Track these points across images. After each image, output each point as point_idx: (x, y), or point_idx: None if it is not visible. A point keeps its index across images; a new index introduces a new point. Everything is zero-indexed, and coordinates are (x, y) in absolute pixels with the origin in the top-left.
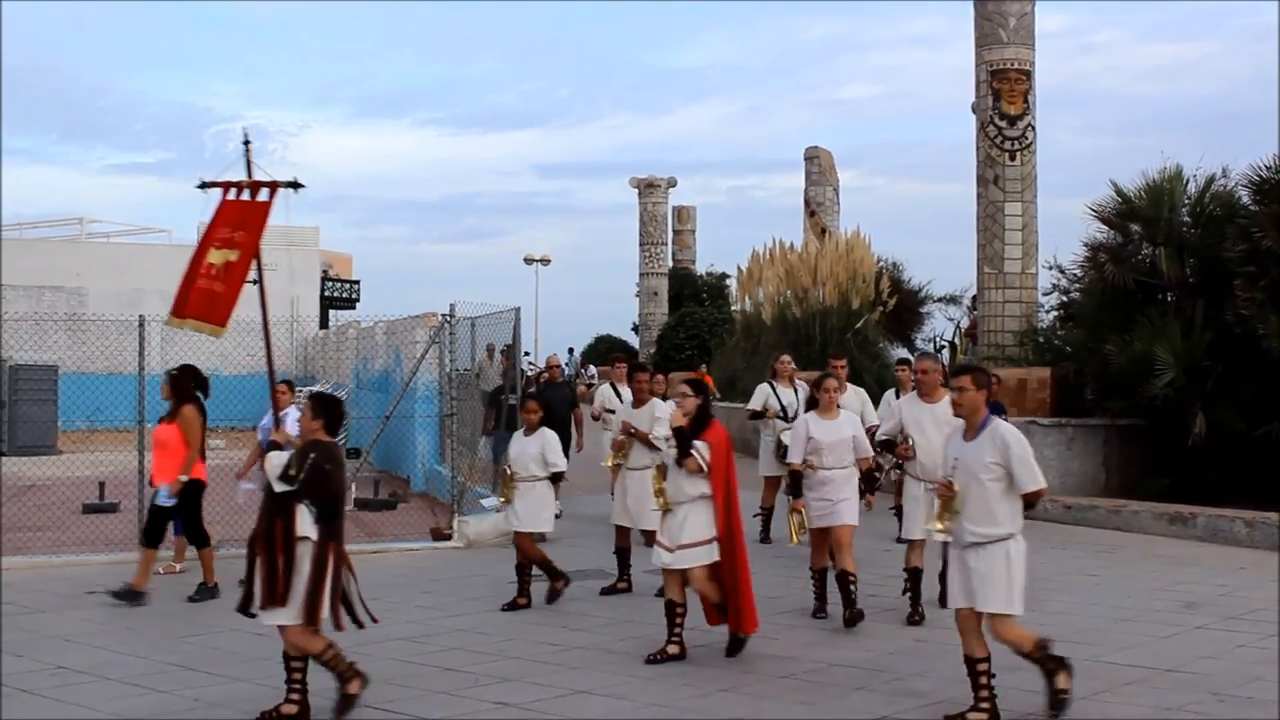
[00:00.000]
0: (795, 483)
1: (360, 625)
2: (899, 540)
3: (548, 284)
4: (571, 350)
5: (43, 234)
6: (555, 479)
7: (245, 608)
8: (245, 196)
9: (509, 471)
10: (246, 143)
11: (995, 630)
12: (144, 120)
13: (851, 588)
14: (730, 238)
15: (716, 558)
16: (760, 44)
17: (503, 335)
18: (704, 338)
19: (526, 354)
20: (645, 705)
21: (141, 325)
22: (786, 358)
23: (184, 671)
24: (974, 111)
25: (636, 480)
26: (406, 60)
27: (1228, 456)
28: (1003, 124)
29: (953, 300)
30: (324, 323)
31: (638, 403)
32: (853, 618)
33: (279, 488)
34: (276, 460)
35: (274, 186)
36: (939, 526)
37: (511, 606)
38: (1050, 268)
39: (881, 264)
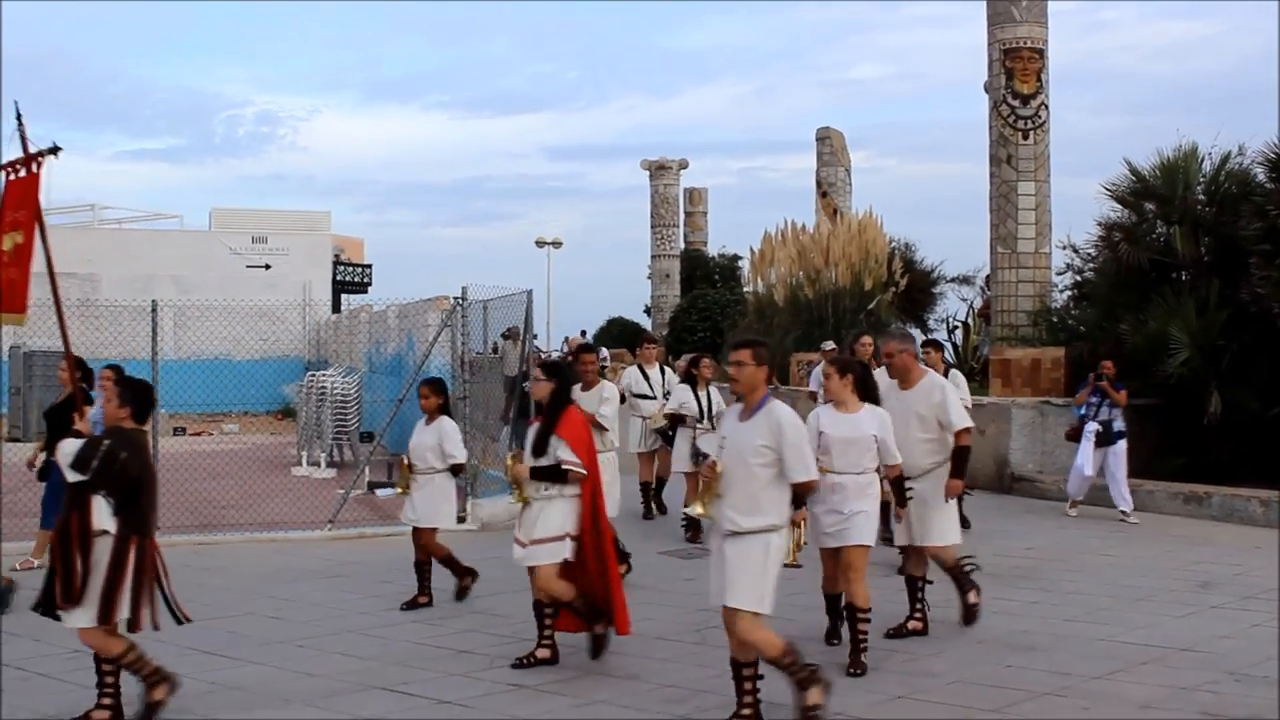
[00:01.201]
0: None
1: (179, 621)
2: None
3: (559, 267)
4: (584, 333)
5: (55, 220)
6: (455, 471)
7: (45, 608)
8: (23, 173)
9: (405, 462)
10: (19, 116)
11: (739, 628)
12: (153, 106)
13: (861, 629)
14: (741, 219)
15: (567, 555)
16: (769, 25)
17: (515, 318)
18: (716, 319)
19: (535, 337)
20: (659, 686)
21: (154, 310)
22: (707, 360)
23: (202, 655)
24: (986, 91)
25: None
26: (415, 44)
27: (1243, 435)
28: (1015, 103)
29: (966, 281)
30: (336, 307)
31: (585, 385)
32: (856, 664)
33: (71, 477)
34: (68, 448)
35: (38, 158)
36: (699, 510)
37: (411, 605)
38: (1064, 247)
39: (894, 245)
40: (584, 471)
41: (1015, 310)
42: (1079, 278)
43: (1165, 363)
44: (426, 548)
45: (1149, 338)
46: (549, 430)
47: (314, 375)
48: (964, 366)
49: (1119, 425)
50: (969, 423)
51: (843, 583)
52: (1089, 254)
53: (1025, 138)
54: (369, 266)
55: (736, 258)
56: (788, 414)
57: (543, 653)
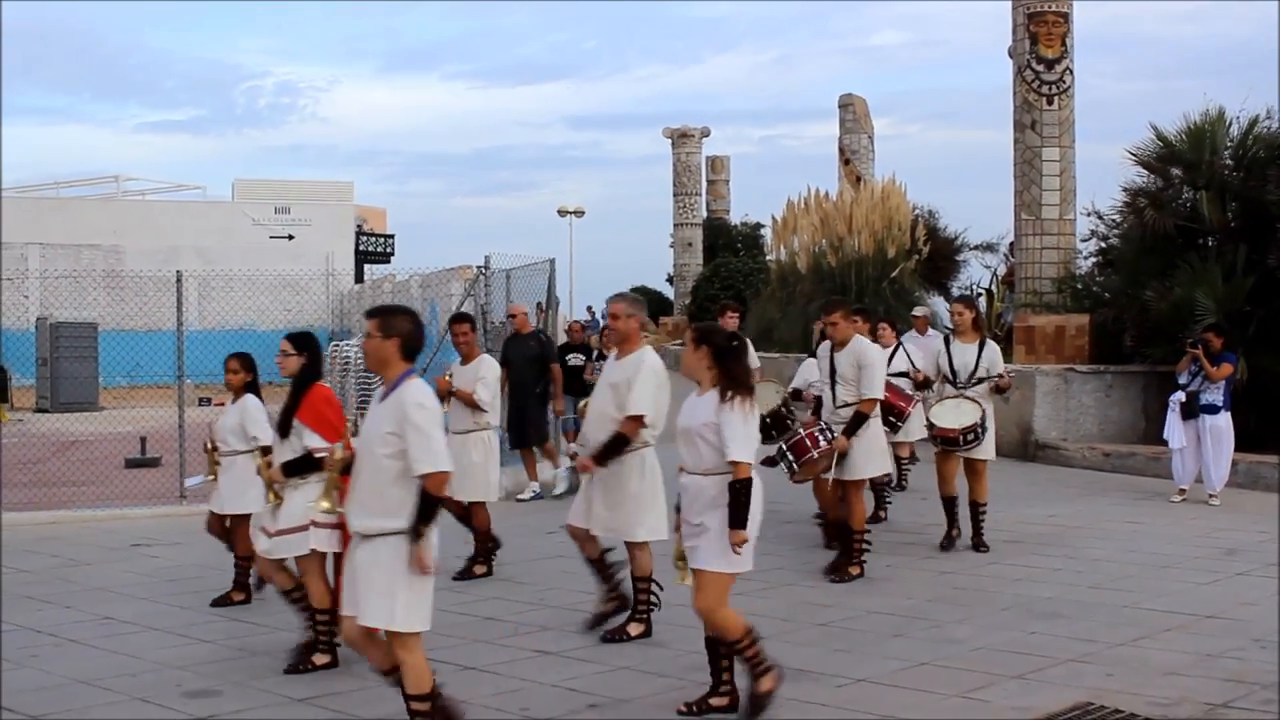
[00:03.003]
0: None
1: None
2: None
3: (581, 236)
4: (592, 309)
5: (79, 192)
6: (264, 452)
7: None
8: None
9: (208, 445)
10: None
11: (394, 648)
12: (175, 78)
13: (726, 666)
14: (762, 187)
15: (317, 545)
16: None
17: (538, 287)
18: (739, 288)
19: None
20: (683, 653)
21: (179, 281)
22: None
23: (228, 621)
24: (1010, 56)
25: (457, 446)
26: (434, 12)
27: (1270, 402)
28: (1040, 68)
29: (989, 248)
30: (359, 277)
31: (464, 359)
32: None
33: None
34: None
35: None
36: (323, 506)
37: (223, 601)
38: (1088, 214)
39: (917, 212)
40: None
41: (1039, 277)
42: (1104, 244)
43: (1191, 329)
44: (215, 533)
45: (1175, 304)
46: (290, 412)
47: (337, 345)
48: (988, 333)
49: (1209, 398)
50: (878, 395)
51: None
52: (1114, 220)
53: (1050, 103)
54: (391, 236)
55: (759, 226)
56: (417, 394)
57: (320, 659)
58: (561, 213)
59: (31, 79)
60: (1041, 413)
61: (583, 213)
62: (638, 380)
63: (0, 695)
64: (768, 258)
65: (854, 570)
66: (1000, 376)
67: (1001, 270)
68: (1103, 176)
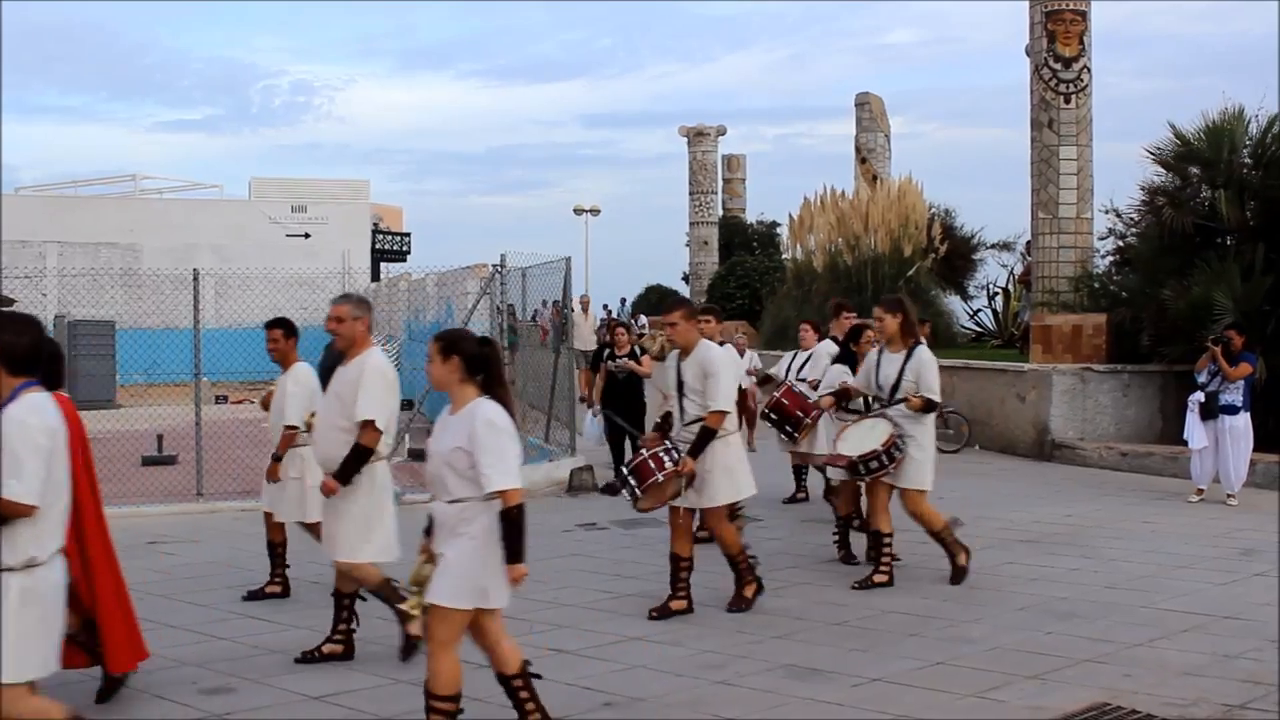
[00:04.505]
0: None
1: None
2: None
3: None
4: (624, 300)
5: (97, 191)
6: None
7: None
8: None
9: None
10: None
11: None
12: (190, 77)
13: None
14: (779, 185)
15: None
16: None
17: (553, 286)
18: (755, 286)
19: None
20: (698, 652)
21: (196, 280)
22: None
23: (244, 619)
24: (1028, 54)
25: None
26: (448, 11)
27: None
28: (1057, 66)
29: (1006, 247)
30: (375, 275)
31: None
32: None
33: None
34: None
35: None
36: (414, 605)
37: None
38: (1106, 212)
39: (933, 210)
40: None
41: (1056, 276)
42: (1121, 243)
43: (1209, 329)
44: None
45: (1192, 303)
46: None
47: None
48: (1004, 333)
49: (1228, 398)
50: (724, 407)
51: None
52: (1131, 219)
53: (1067, 101)
54: (408, 235)
55: (775, 224)
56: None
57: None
58: (577, 211)
59: (48, 78)
60: (1058, 412)
61: (598, 211)
62: (362, 384)
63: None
64: (784, 256)
65: (748, 593)
66: (919, 396)
67: (1018, 269)
68: (1120, 175)
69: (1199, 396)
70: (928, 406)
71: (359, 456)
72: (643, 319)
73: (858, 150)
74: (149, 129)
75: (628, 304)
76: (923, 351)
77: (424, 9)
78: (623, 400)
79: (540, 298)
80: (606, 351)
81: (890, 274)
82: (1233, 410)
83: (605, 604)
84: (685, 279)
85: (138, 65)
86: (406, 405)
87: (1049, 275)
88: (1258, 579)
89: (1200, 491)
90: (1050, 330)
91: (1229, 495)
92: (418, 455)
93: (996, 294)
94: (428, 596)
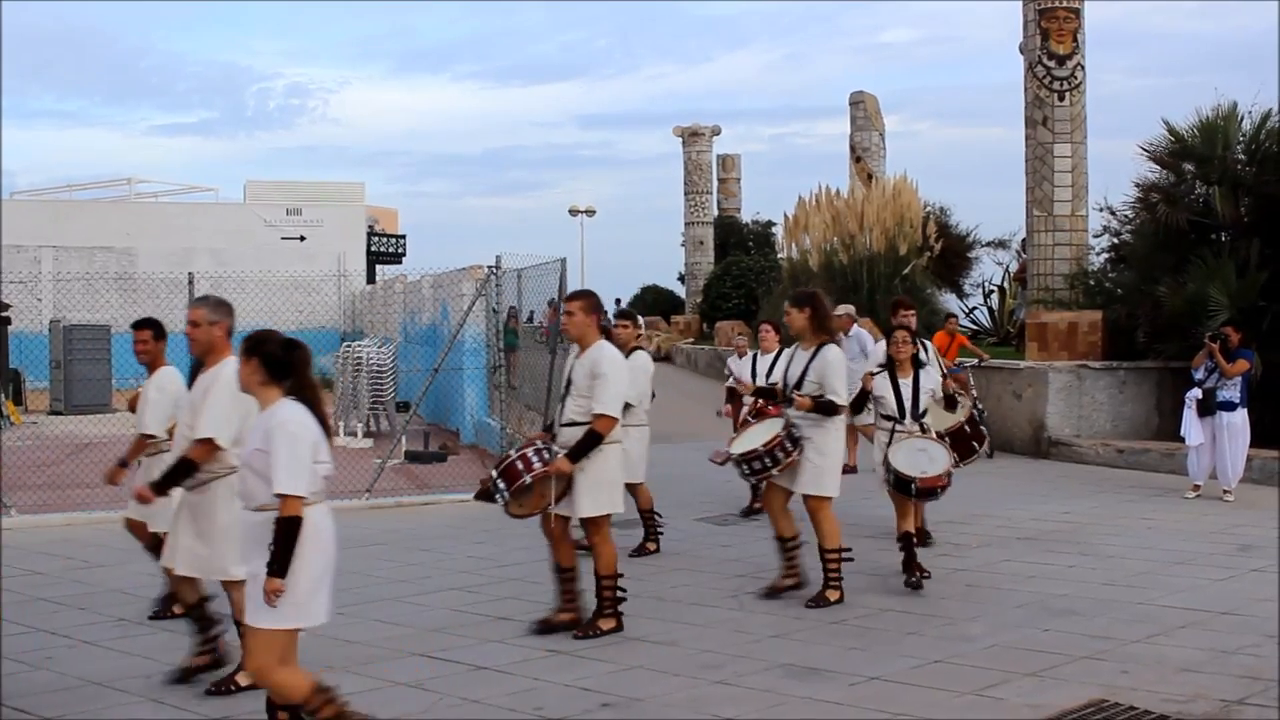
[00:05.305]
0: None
1: None
2: None
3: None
4: (619, 301)
5: (92, 195)
6: None
7: None
8: None
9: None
10: None
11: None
12: (186, 80)
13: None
14: (775, 185)
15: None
16: None
17: (549, 287)
18: (751, 286)
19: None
20: (696, 652)
21: (191, 283)
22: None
23: None
24: (1021, 52)
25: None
26: (444, 13)
27: None
28: (1051, 64)
29: (1001, 244)
30: (371, 277)
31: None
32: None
33: None
34: None
35: None
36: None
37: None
38: (1101, 209)
39: (929, 209)
40: None
41: (1051, 274)
42: (1116, 240)
43: (1204, 325)
44: None
45: (1188, 300)
46: None
47: (350, 346)
48: (1000, 330)
49: (1225, 395)
50: (611, 412)
51: None
52: (1126, 216)
53: (1061, 99)
54: (403, 237)
55: (770, 224)
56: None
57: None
58: (573, 212)
59: (44, 82)
60: (1054, 409)
61: (594, 212)
62: (210, 397)
63: (0, 696)
64: (779, 256)
65: (604, 625)
66: (817, 396)
67: (1014, 267)
68: (1115, 172)
69: (1196, 393)
70: (826, 409)
71: (184, 469)
72: (639, 319)
73: (852, 149)
74: (144, 133)
75: (623, 305)
76: (830, 351)
77: (421, 11)
78: None
79: (537, 299)
80: None
81: (886, 272)
82: (1231, 406)
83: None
84: (681, 279)
85: (134, 69)
86: (403, 407)
87: (1044, 273)
88: (1255, 574)
89: (1196, 487)
90: (1046, 327)
91: (1225, 491)
92: (414, 458)
93: (992, 292)
94: (247, 618)
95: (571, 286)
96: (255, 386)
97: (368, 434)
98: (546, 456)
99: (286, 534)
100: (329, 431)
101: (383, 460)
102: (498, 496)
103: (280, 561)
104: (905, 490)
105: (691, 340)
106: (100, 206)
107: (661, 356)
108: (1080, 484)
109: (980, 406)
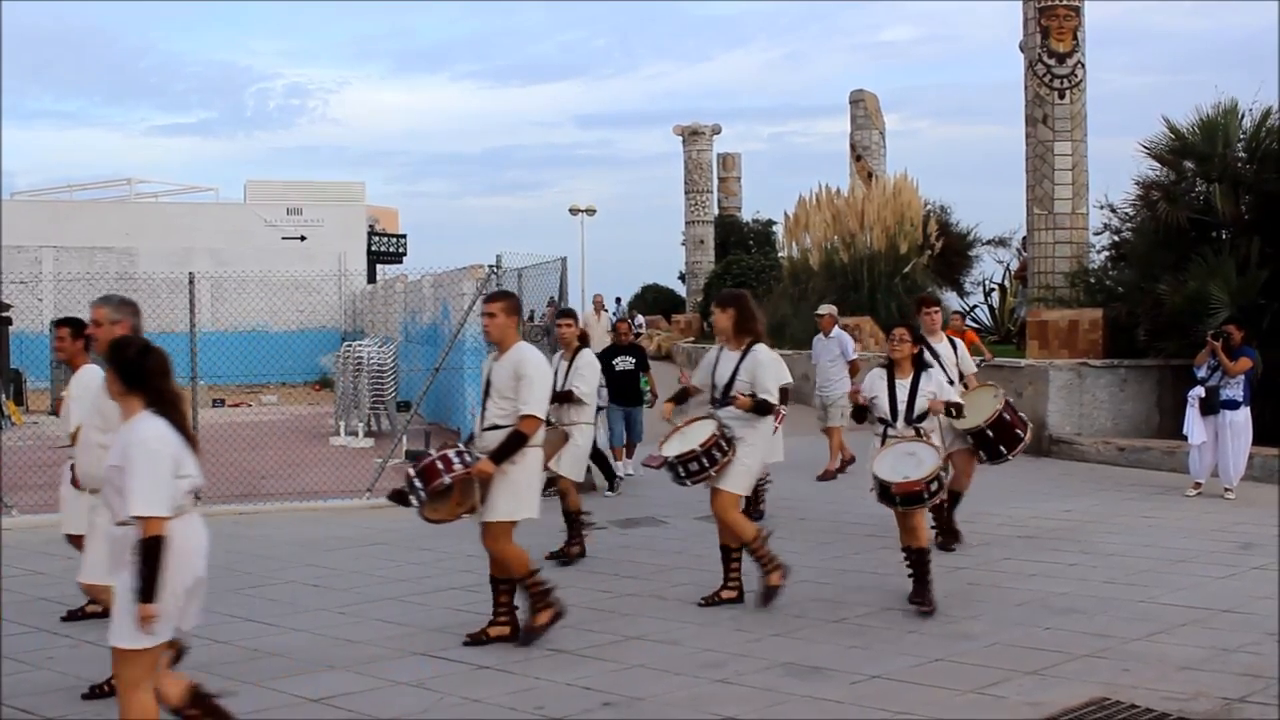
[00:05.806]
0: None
1: None
2: None
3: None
4: (619, 300)
5: (92, 195)
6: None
7: None
8: None
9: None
10: None
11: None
12: (185, 80)
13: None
14: (774, 184)
15: None
16: None
17: (550, 286)
18: (751, 285)
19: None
20: (697, 650)
21: (191, 283)
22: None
23: (241, 623)
24: (1022, 50)
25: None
26: (443, 13)
27: None
28: (1051, 62)
29: (1002, 243)
30: (371, 277)
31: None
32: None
33: None
34: None
35: None
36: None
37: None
38: (1101, 207)
39: (929, 207)
40: None
41: (1052, 271)
42: (1117, 238)
43: (1205, 323)
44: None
45: (1188, 297)
46: None
47: (350, 345)
48: (1001, 329)
49: (1228, 393)
50: (537, 412)
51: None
52: (1127, 214)
53: (1061, 97)
54: (403, 237)
55: (771, 223)
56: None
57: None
58: (573, 211)
59: (44, 83)
60: (1055, 408)
61: (594, 211)
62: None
63: (0, 696)
64: (780, 254)
65: (541, 620)
66: (750, 396)
67: (1014, 265)
68: (1115, 170)
69: (1199, 391)
70: (760, 408)
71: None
72: (639, 318)
73: (852, 148)
74: (144, 133)
75: (623, 303)
76: (760, 350)
77: (420, 11)
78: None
79: (537, 298)
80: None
81: (886, 271)
82: (1234, 405)
83: (605, 603)
84: (682, 278)
85: (133, 69)
86: (404, 406)
87: (1045, 271)
88: (1256, 573)
89: (1198, 485)
90: (1046, 325)
91: (1226, 489)
92: (415, 457)
93: (992, 290)
94: (111, 639)
95: (572, 286)
96: (116, 395)
97: (368, 434)
98: (468, 459)
99: (148, 557)
100: (193, 442)
101: (383, 460)
102: (413, 498)
103: (148, 585)
104: (887, 499)
105: (692, 339)
106: (100, 207)
107: (662, 355)
108: (1081, 482)
109: None
